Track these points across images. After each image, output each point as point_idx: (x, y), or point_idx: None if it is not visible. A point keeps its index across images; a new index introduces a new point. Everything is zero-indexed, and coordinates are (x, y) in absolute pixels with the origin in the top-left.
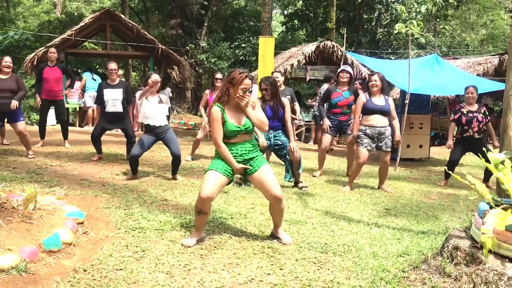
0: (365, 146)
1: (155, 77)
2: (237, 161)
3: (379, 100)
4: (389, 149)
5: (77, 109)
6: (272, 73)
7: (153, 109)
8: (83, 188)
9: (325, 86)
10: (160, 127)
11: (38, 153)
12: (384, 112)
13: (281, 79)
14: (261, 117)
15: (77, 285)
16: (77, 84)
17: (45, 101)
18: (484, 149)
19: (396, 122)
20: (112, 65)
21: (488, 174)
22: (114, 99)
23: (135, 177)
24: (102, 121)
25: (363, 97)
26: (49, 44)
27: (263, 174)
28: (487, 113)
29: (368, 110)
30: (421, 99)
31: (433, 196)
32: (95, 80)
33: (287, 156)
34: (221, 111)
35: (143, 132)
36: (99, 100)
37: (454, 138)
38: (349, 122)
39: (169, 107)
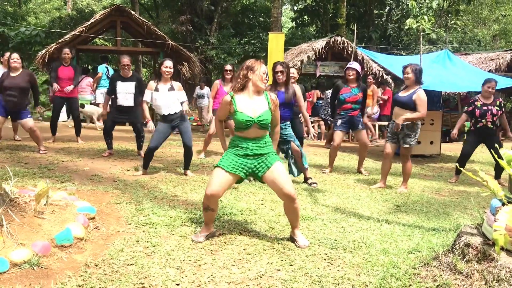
0: (388, 140)
1: (168, 63)
2: (247, 154)
3: (405, 93)
4: (405, 145)
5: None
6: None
7: (163, 98)
8: (94, 184)
9: (329, 93)
10: (173, 115)
11: (49, 148)
12: (400, 104)
13: (296, 75)
14: (275, 121)
15: (88, 279)
16: (88, 80)
17: (59, 98)
18: (496, 145)
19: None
20: (126, 60)
21: (498, 170)
22: (126, 93)
23: (146, 173)
24: (113, 113)
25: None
26: (60, 41)
27: (275, 172)
28: (502, 104)
29: (392, 102)
30: (432, 95)
31: (444, 193)
32: (109, 78)
33: (290, 151)
34: (231, 98)
35: (159, 121)
36: (111, 91)
37: (467, 131)
38: (358, 118)
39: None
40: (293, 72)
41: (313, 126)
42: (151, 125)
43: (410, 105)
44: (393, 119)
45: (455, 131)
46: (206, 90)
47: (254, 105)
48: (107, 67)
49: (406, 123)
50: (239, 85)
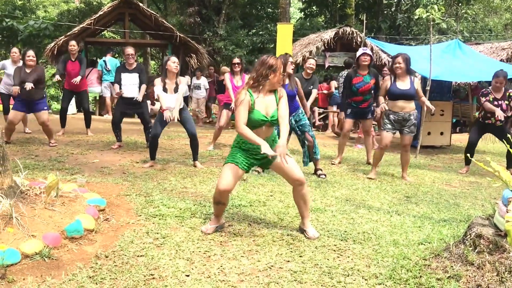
0: (388, 130)
1: (175, 59)
2: (257, 159)
3: (403, 84)
4: (411, 134)
5: (97, 98)
6: (308, 58)
7: (169, 100)
8: (103, 176)
9: (345, 73)
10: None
11: (59, 141)
12: (408, 96)
13: (314, 66)
14: (283, 112)
15: (99, 271)
16: (96, 73)
17: (68, 91)
18: (508, 135)
19: (423, 99)
20: (129, 50)
21: (510, 160)
22: (131, 84)
23: (155, 164)
24: (120, 105)
25: (388, 80)
26: (68, 33)
27: None
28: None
29: (392, 95)
30: (442, 86)
31: (455, 184)
32: (109, 70)
33: (305, 141)
34: (250, 96)
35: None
36: (118, 82)
37: (475, 120)
38: (369, 108)
39: (186, 96)
40: (312, 63)
41: (322, 118)
42: (167, 114)
43: (415, 95)
44: (398, 111)
45: (498, 114)
46: (202, 80)
47: (267, 104)
48: (104, 61)
49: (414, 112)
50: (257, 83)
